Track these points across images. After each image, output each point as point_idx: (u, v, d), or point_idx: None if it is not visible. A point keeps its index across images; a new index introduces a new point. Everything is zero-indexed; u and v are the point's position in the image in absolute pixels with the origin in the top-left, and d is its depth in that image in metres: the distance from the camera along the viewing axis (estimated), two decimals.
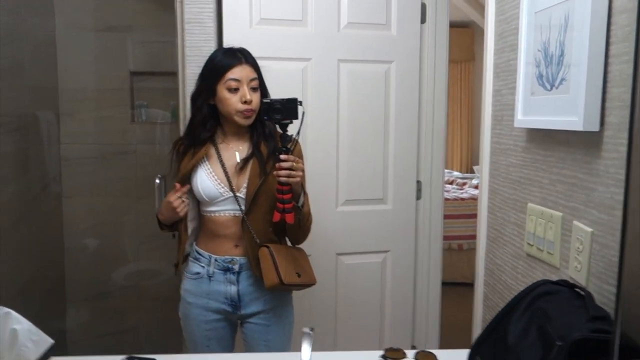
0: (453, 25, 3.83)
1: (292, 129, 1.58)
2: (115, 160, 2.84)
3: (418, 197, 2.44)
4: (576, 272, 1.11)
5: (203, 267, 1.72)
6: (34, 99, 2.55)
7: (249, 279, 1.71)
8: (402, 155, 2.36)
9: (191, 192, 1.70)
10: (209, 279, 1.71)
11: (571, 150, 1.14)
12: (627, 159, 0.78)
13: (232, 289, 1.70)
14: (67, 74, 2.73)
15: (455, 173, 6.51)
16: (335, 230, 2.31)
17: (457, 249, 4.46)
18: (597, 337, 0.85)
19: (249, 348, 1.78)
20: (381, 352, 1.33)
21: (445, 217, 4.38)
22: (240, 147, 1.71)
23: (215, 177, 1.67)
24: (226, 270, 1.69)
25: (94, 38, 2.79)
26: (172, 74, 2.26)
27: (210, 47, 2.12)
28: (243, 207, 1.66)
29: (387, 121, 2.33)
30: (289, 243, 1.82)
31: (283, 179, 1.55)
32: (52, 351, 0.93)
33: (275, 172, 1.57)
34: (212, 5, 2.14)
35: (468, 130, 7.22)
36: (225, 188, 1.66)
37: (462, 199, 4.67)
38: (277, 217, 1.59)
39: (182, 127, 2.16)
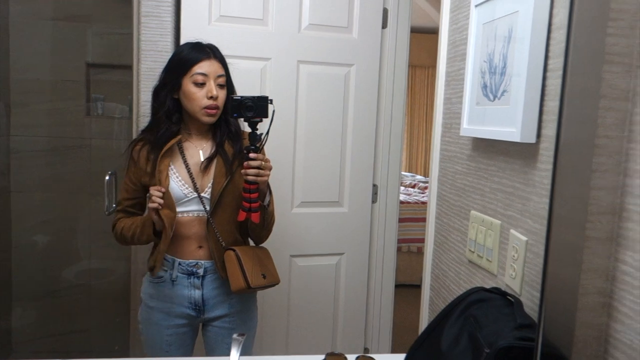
0: (420, 30, 3.87)
1: (260, 128, 1.57)
2: (68, 155, 2.77)
3: (374, 201, 2.46)
4: (511, 279, 1.13)
5: (166, 270, 1.67)
6: None
7: (214, 282, 1.67)
8: (359, 159, 2.37)
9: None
10: (172, 283, 1.66)
11: (511, 160, 1.16)
12: (553, 171, 0.80)
13: (197, 294, 1.66)
14: (20, 63, 2.65)
15: (418, 177, 6.59)
16: (290, 232, 2.30)
17: (417, 252, 4.52)
18: (523, 344, 0.87)
19: (210, 352, 1.74)
20: (322, 357, 1.33)
21: (406, 220, 4.46)
22: (204, 146, 1.67)
23: (179, 177, 1.62)
24: (190, 274, 1.65)
25: (50, 27, 2.71)
26: (131, 68, 2.21)
27: (167, 42, 2.09)
28: (208, 208, 1.62)
29: (345, 124, 2.34)
30: (251, 243, 1.80)
31: (251, 178, 1.54)
32: None
33: (243, 171, 1.55)
34: (170, 0, 2.11)
35: (419, 133, 7.34)
36: (190, 188, 1.62)
37: (423, 203, 4.73)
38: (242, 216, 1.57)
39: (135, 123, 2.12)
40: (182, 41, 2.01)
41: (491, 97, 1.19)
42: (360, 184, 2.40)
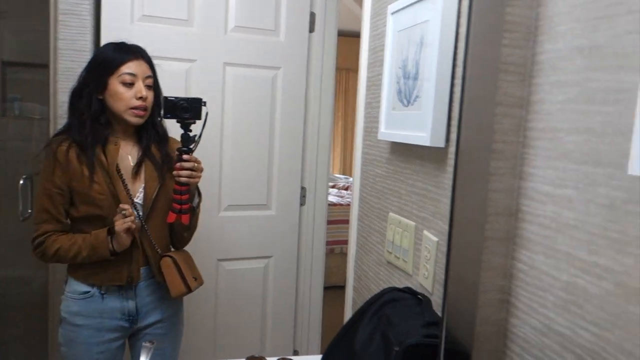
0: (349, 34, 3.91)
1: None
2: None
3: (302, 203, 2.47)
4: (424, 279, 1.17)
5: (92, 284, 1.57)
6: None
7: (147, 288, 1.62)
8: (287, 162, 2.38)
9: (79, 202, 1.53)
10: (101, 296, 1.57)
11: (423, 163, 1.21)
12: (454, 173, 0.84)
13: (130, 304, 1.60)
14: None
15: (352, 179, 6.68)
16: (216, 236, 2.27)
17: (340, 253, 4.57)
18: (429, 342, 0.90)
19: None
20: None
21: (338, 222, 4.50)
22: (131, 149, 1.60)
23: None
24: (120, 286, 1.58)
25: None
26: (48, 67, 2.12)
27: (86, 41, 2.02)
28: (141, 214, 1.57)
29: (273, 127, 2.34)
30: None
31: (184, 180, 1.52)
32: None
33: (175, 172, 1.53)
34: None
35: (352, 137, 7.46)
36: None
37: (342, 205, 4.80)
38: (172, 217, 1.55)
39: (53, 124, 2.03)
40: (103, 41, 1.95)
41: (405, 102, 1.22)
42: (289, 187, 2.41)
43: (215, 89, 2.21)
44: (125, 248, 1.52)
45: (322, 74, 2.46)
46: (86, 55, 1.97)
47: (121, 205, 1.48)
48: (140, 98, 1.54)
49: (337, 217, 4.48)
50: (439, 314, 1.01)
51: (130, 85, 1.53)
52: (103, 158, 1.53)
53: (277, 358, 1.34)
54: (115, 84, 1.53)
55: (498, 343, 0.89)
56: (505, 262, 0.87)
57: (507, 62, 0.85)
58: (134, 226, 1.49)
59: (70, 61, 1.99)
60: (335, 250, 4.49)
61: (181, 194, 1.54)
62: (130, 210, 1.48)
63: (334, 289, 3.70)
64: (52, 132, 2.03)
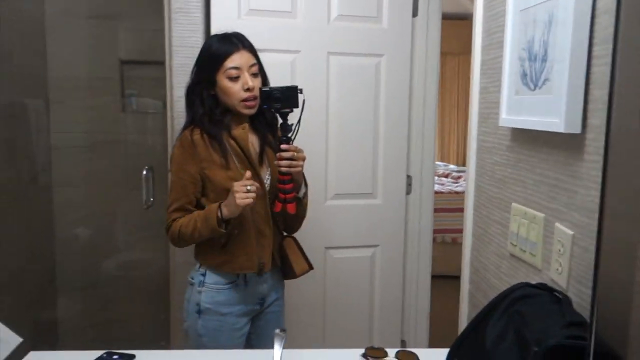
0: (451, 17, 3.78)
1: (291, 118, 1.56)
2: (105, 150, 2.81)
3: (408, 192, 2.43)
4: (557, 274, 1.10)
5: (235, 273, 1.62)
6: (22, 86, 2.52)
7: (272, 270, 1.70)
8: (392, 150, 2.35)
9: (210, 190, 1.59)
10: (245, 283, 1.64)
11: (554, 151, 1.13)
12: (604, 162, 0.77)
13: (264, 288, 1.68)
14: (57, 61, 2.70)
15: (451, 166, 6.50)
16: (324, 224, 2.30)
17: (452, 242, 4.47)
18: (573, 343, 0.84)
19: (257, 339, 1.72)
20: (362, 351, 1.33)
21: (440, 210, 4.41)
22: (250, 138, 1.65)
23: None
24: (260, 271, 1.64)
25: (84, 25, 2.75)
26: (163, 64, 2.23)
27: (197, 37, 2.10)
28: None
29: (377, 115, 2.32)
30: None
31: (284, 169, 1.53)
32: (24, 346, 0.91)
33: (276, 162, 1.54)
34: None
35: (465, 123, 7.20)
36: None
37: (457, 193, 4.66)
38: (278, 207, 1.57)
39: (170, 119, 2.14)
40: None
41: (532, 86, 1.15)
42: (394, 175, 2.37)
43: (320, 78, 2.22)
44: (232, 217, 1.50)
45: (427, 59, 2.39)
46: (198, 52, 2.05)
47: (247, 174, 1.48)
48: (248, 89, 1.57)
49: (439, 205, 4.39)
50: (580, 313, 0.95)
51: (236, 78, 1.57)
52: (234, 144, 1.58)
53: (396, 350, 1.32)
54: (222, 80, 1.57)
55: None
56: None
57: None
58: (251, 203, 1.48)
59: (183, 57, 2.08)
60: (437, 239, 4.40)
61: (284, 183, 1.54)
62: (254, 186, 1.48)
63: (436, 279, 3.62)
64: (169, 126, 2.14)
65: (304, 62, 2.20)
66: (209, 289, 1.62)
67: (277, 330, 0.89)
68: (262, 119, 1.66)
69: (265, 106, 1.54)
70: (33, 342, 2.60)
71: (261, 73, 1.64)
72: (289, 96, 1.51)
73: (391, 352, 1.32)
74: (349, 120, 2.28)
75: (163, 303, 2.36)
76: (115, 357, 1.26)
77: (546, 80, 1.09)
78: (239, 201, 1.46)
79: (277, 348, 0.86)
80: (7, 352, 0.85)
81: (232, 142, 1.58)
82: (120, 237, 2.90)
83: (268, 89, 1.53)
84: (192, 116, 1.63)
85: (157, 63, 2.40)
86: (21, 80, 2.51)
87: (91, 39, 2.76)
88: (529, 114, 1.17)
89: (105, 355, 1.27)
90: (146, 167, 2.18)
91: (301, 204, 1.66)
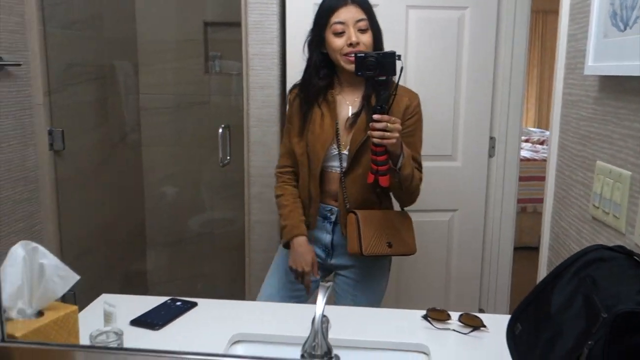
0: None
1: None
2: (190, 111, 2.91)
3: (491, 155, 2.30)
4: None
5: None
6: (112, 49, 2.65)
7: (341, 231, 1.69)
8: (475, 109, 2.22)
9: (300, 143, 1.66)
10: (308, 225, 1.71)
11: None
12: None
13: (327, 238, 1.69)
14: (145, 25, 2.80)
15: (548, 133, 6.10)
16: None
17: (533, 212, 4.21)
18: None
19: (337, 300, 1.75)
20: (423, 312, 1.28)
21: (531, 178, 4.16)
22: (355, 100, 1.63)
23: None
24: (324, 218, 1.68)
25: None
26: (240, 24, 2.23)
27: None
28: (345, 165, 1.61)
29: (460, 72, 2.19)
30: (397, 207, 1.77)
31: (377, 140, 1.42)
32: (74, 286, 0.94)
33: (369, 132, 1.45)
34: None
35: (550, 87, 6.71)
36: (334, 145, 1.61)
37: (536, 160, 4.37)
38: (370, 178, 1.50)
39: (245, 78, 2.15)
40: None
41: (621, 26, 1.01)
42: (476, 137, 2.25)
43: (398, 33, 2.13)
44: (296, 264, 1.65)
45: (516, 14, 2.21)
46: (273, 8, 2.04)
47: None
48: (351, 45, 1.52)
49: (531, 173, 4.13)
50: None
51: (341, 34, 1.53)
52: (318, 111, 1.61)
53: (460, 313, 1.26)
54: (329, 36, 1.55)
55: None
56: None
57: None
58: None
59: (259, 14, 2.07)
60: (528, 209, 4.17)
61: (377, 154, 1.45)
62: (309, 278, 1.64)
63: (526, 250, 3.44)
64: (244, 86, 2.15)
65: (381, 16, 2.08)
66: None
67: (323, 283, 0.87)
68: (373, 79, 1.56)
69: (359, 73, 1.44)
70: (123, 290, 2.80)
71: (373, 29, 1.58)
72: (385, 63, 1.40)
73: (454, 316, 1.27)
74: (428, 78, 2.17)
75: (241, 260, 2.43)
76: (178, 303, 1.31)
77: (638, 17, 0.95)
78: (291, 263, 1.65)
79: (320, 299, 0.83)
80: (67, 287, 0.89)
81: (318, 110, 1.61)
82: (203, 195, 3.01)
83: (363, 54, 1.43)
84: (303, 74, 1.67)
85: (237, 24, 2.42)
86: (111, 43, 2.64)
87: (177, 2, 2.83)
88: (618, 59, 1.03)
89: (169, 301, 1.32)
90: (222, 126, 2.22)
91: (398, 176, 1.53)
